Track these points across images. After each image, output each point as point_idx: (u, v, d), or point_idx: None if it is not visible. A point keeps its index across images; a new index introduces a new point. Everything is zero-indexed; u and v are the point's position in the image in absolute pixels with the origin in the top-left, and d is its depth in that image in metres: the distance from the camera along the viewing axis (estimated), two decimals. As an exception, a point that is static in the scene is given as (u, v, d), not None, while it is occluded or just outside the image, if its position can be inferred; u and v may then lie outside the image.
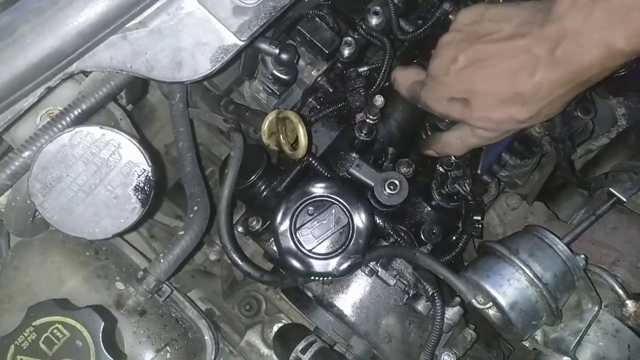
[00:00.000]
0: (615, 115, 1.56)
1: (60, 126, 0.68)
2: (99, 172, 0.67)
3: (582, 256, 0.92)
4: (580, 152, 1.63)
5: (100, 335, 0.75)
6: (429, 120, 1.13)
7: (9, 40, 0.55)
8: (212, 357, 1.02)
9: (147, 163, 0.70)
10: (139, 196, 0.70)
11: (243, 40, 0.66)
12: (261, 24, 0.66)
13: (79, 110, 0.69)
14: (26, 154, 0.67)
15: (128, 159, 0.69)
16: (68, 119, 0.69)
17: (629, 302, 0.92)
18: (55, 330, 0.75)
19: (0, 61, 0.55)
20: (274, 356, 1.10)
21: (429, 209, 1.12)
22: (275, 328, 1.11)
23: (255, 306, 1.17)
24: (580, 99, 1.27)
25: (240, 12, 0.64)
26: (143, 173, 0.70)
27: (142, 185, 0.70)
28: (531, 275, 0.86)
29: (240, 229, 1.11)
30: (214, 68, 0.67)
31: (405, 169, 1.06)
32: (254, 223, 1.05)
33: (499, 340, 1.35)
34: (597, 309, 0.91)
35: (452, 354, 1.02)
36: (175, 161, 1.32)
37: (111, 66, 0.64)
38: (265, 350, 1.13)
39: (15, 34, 0.54)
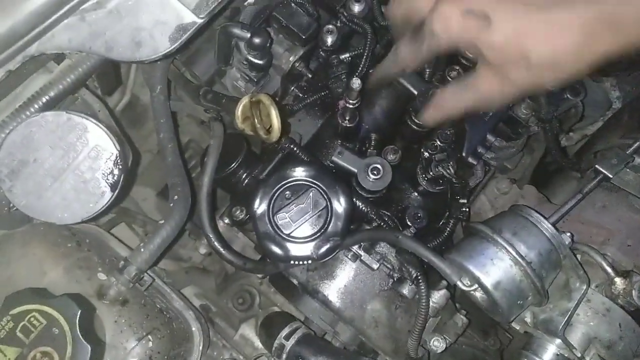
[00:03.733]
0: (610, 98, 1.54)
1: (28, 113, 0.68)
2: (67, 157, 0.68)
3: (568, 234, 0.90)
4: (576, 137, 1.61)
5: (77, 322, 0.75)
6: (413, 106, 1.12)
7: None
8: (200, 347, 1.01)
9: (115, 147, 0.70)
10: (108, 180, 0.70)
11: (202, 18, 0.66)
12: (219, 0, 0.66)
13: (47, 97, 0.69)
14: (-6, 141, 0.68)
15: (95, 143, 0.69)
16: (36, 105, 0.69)
17: (617, 280, 0.90)
18: (32, 319, 0.75)
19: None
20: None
21: (416, 194, 1.11)
22: (270, 322, 1.10)
23: (248, 300, 1.16)
24: (570, 80, 1.25)
25: (198, -11, 0.64)
26: (111, 157, 0.70)
27: (110, 169, 0.70)
28: (515, 254, 0.84)
29: (226, 220, 1.11)
30: (173, 46, 0.67)
31: (391, 156, 1.05)
32: (238, 212, 1.05)
33: (497, 328, 1.34)
34: (585, 287, 0.89)
35: (442, 339, 1.01)
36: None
37: (70, 48, 0.65)
38: (259, 343, 1.12)
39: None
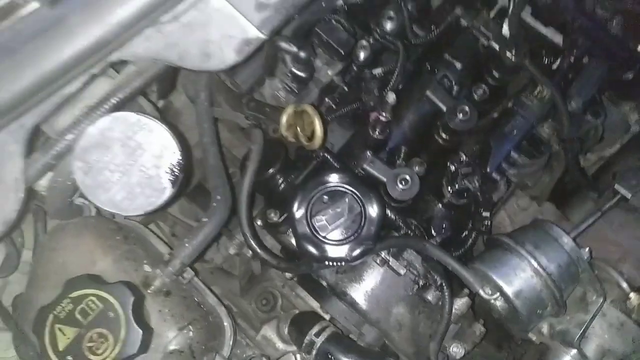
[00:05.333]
0: (629, 122, 1.59)
1: (99, 113, 0.75)
2: (134, 154, 0.74)
3: (587, 249, 0.95)
4: (593, 159, 1.66)
5: (131, 308, 0.82)
6: (441, 121, 1.18)
7: (61, 31, 0.62)
8: (230, 342, 1.07)
9: (178, 147, 0.77)
10: (170, 177, 0.77)
11: (265, 34, 0.73)
12: (281, 18, 0.73)
13: (116, 99, 0.76)
14: (69, 137, 0.75)
15: (160, 142, 0.76)
16: (106, 106, 0.76)
17: (632, 295, 0.95)
18: (90, 302, 0.81)
19: (50, 49, 0.63)
20: (288, 350, 1.14)
21: (440, 206, 1.17)
22: (291, 323, 1.15)
23: (271, 301, 1.21)
24: (591, 102, 1.31)
25: (262, 8, 0.71)
26: (173, 156, 0.76)
27: (172, 167, 0.77)
28: (536, 266, 0.90)
29: (259, 222, 1.17)
30: (239, 59, 0.74)
31: (418, 168, 1.11)
32: (272, 215, 1.11)
33: (510, 342, 1.38)
34: (601, 300, 0.94)
35: (461, 345, 1.05)
36: (197, 163, 1.38)
37: (146, 56, 0.72)
38: (280, 344, 1.17)
39: (65, 24, 0.62)
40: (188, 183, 1.14)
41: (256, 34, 0.72)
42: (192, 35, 0.70)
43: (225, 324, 1.07)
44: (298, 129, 0.93)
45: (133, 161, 0.74)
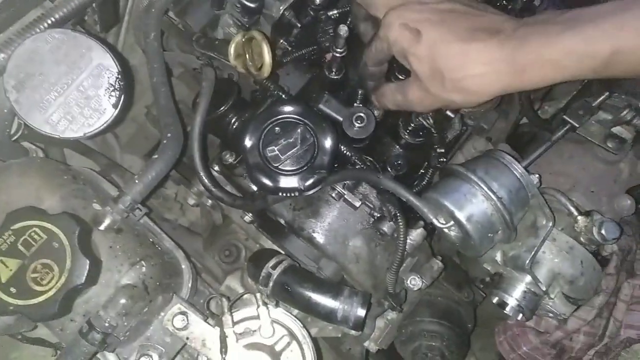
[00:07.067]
0: (584, 73, 1.63)
1: (35, 31, 0.72)
2: (71, 73, 0.72)
3: (536, 175, 0.97)
4: (551, 111, 1.70)
5: (76, 238, 0.79)
6: (397, 62, 1.18)
7: None
8: (189, 284, 1.06)
9: (117, 67, 0.74)
10: (110, 98, 0.74)
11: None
12: None
13: (54, 18, 0.73)
14: (2, 56, 0.71)
15: (98, 61, 0.73)
16: (43, 25, 0.73)
17: (579, 218, 0.97)
18: (32, 234, 0.79)
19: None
20: (253, 299, 1.14)
21: (398, 147, 1.17)
22: (254, 274, 1.15)
23: (235, 253, 1.22)
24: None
25: None
26: (113, 76, 0.74)
27: (112, 87, 0.74)
28: (486, 190, 0.91)
29: (216, 167, 1.15)
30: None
31: (376, 112, 1.11)
32: (227, 156, 1.09)
33: (470, 284, 1.42)
34: (551, 224, 0.96)
35: (419, 278, 1.07)
36: (156, 121, 1.34)
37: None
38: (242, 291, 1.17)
39: None
40: (129, 105, 1.11)
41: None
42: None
43: (183, 266, 1.06)
44: (247, 57, 0.91)
45: (70, 80, 0.71)
